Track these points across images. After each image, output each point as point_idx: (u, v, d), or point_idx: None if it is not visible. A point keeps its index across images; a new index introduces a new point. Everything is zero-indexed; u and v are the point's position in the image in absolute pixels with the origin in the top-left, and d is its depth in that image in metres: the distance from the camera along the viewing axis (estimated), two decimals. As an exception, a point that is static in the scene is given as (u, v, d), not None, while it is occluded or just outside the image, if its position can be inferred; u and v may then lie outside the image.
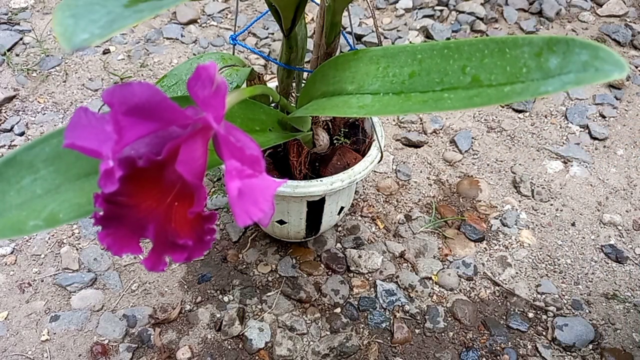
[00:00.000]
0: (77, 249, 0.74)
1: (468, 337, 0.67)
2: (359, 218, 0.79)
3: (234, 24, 1.16)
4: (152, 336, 0.66)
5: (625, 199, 0.82)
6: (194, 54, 1.07)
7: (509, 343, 0.66)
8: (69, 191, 0.29)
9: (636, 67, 1.06)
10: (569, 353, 0.65)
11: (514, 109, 0.97)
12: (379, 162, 0.62)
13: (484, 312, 0.69)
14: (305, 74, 0.59)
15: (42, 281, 0.71)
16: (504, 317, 0.69)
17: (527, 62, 0.29)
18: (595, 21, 1.15)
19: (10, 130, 0.90)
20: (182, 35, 1.11)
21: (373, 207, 0.81)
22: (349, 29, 1.06)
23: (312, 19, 1.14)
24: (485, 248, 0.76)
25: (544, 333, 0.67)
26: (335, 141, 0.67)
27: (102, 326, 0.66)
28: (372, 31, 1.10)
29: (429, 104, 0.32)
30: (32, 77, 1.00)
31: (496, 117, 0.95)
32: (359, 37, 1.10)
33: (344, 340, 0.66)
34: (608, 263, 0.75)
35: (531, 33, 1.13)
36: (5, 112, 0.93)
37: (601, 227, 0.79)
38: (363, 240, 0.76)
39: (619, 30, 1.11)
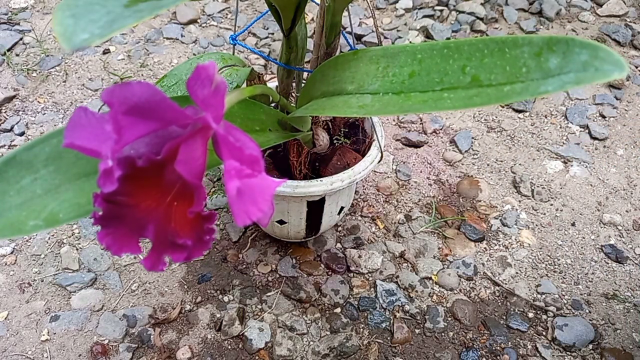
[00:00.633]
0: (77, 249, 0.74)
1: (468, 337, 0.67)
2: (359, 218, 0.79)
3: (234, 23, 1.16)
4: (152, 336, 0.66)
5: (625, 199, 0.82)
6: (194, 54, 1.07)
7: (509, 343, 0.66)
8: (69, 191, 0.29)
9: (636, 67, 1.06)
10: (569, 353, 0.65)
11: (514, 109, 0.97)
12: (379, 162, 0.62)
13: (484, 312, 0.69)
14: (305, 74, 0.59)
15: (42, 281, 0.71)
16: (504, 317, 0.69)
17: (527, 62, 0.29)
18: (595, 21, 1.15)
19: (10, 130, 0.90)
20: (182, 35, 1.11)
21: (373, 207, 0.81)
22: (349, 29, 1.06)
23: (312, 19, 1.14)
24: (485, 248, 0.76)
25: (544, 333, 0.67)
26: (335, 141, 0.67)
27: (102, 326, 0.66)
28: (372, 31, 1.10)
29: (429, 104, 0.32)
30: (32, 77, 1.00)
31: (496, 117, 0.95)
32: (359, 37, 1.10)
33: (344, 340, 0.66)
34: (608, 263, 0.75)
35: (531, 33, 1.13)
36: (5, 112, 0.93)
37: (601, 227, 0.79)
38: (363, 240, 0.76)
39: (619, 30, 1.11)
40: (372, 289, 0.71)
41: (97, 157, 0.24)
